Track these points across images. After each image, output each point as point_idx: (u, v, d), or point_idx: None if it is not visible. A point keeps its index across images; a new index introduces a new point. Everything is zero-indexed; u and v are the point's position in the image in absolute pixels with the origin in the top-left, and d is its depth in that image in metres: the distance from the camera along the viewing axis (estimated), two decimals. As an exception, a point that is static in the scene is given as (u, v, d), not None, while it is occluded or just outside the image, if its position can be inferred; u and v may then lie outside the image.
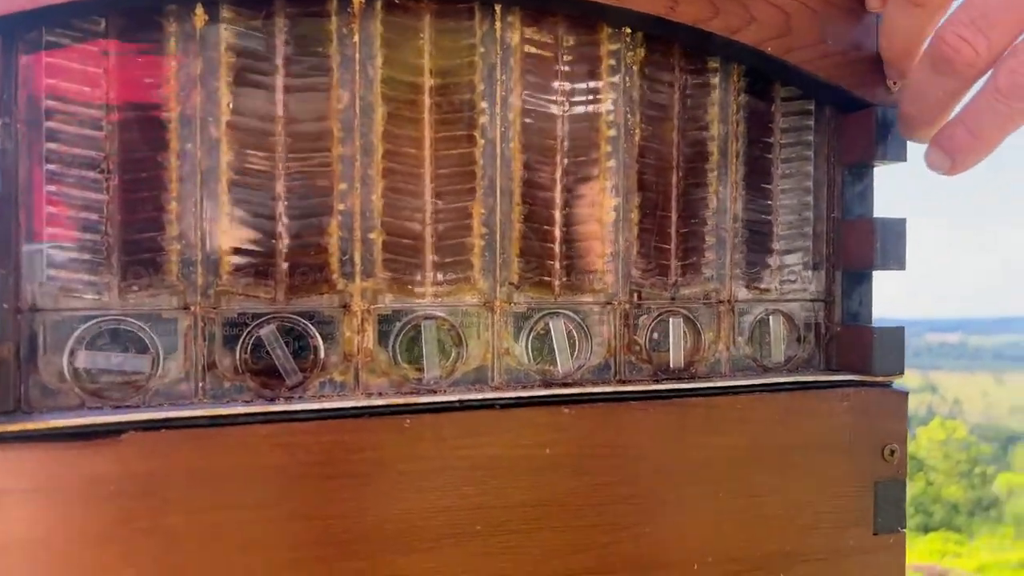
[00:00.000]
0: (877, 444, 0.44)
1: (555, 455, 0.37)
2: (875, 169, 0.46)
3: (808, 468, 0.42)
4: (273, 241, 0.36)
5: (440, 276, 0.38)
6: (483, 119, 0.39)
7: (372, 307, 0.37)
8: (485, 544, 0.36)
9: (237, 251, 0.35)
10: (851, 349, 0.45)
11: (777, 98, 0.44)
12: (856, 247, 0.44)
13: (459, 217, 0.38)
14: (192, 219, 0.35)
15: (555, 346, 0.40)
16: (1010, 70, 0.34)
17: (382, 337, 0.37)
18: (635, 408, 0.39)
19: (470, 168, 0.38)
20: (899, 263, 0.44)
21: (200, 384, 0.35)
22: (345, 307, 0.37)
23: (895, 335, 0.44)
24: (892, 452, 0.44)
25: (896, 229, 0.44)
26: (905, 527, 0.44)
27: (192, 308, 0.35)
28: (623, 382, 0.41)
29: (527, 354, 0.40)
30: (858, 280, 0.46)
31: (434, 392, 0.37)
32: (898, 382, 0.45)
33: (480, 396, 0.37)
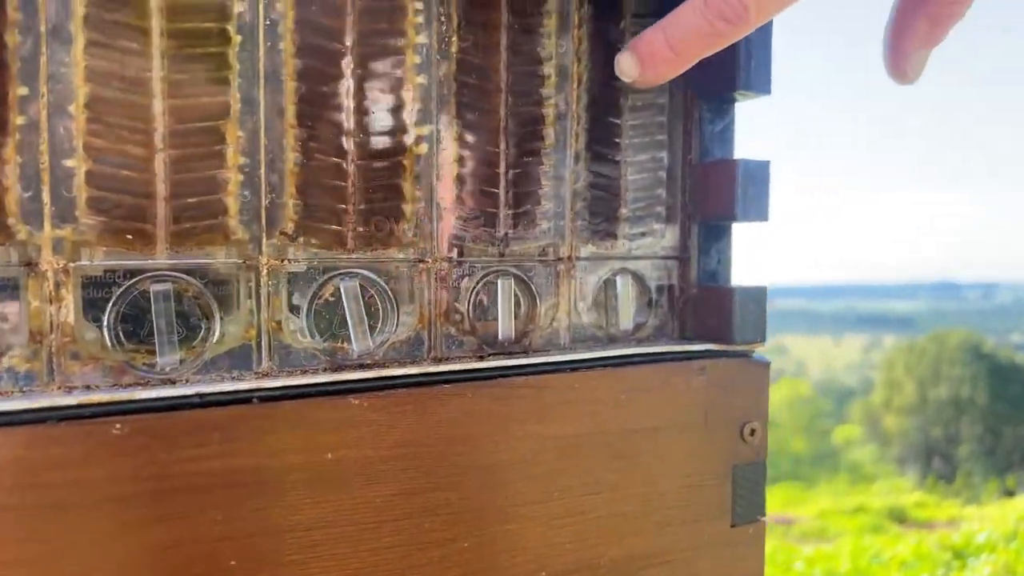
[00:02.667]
0: (736, 423, 0.38)
1: (340, 460, 0.28)
2: (736, 106, 0.40)
3: (658, 455, 0.35)
4: (-98, 167, 0.24)
5: (178, 222, 0.28)
6: (239, 6, 0.28)
7: (72, 266, 0.26)
8: (240, 585, 0.27)
9: None
10: (709, 314, 0.38)
11: (627, 15, 0.37)
12: (715, 195, 0.38)
13: (205, 141, 0.28)
14: None
15: (348, 317, 0.31)
16: None
17: (90, 308, 0.27)
18: (448, 394, 0.30)
19: (221, 73, 0.28)
20: (761, 214, 0.38)
21: None
22: (29, 265, 0.26)
23: (757, 297, 0.38)
24: (752, 431, 0.38)
25: (759, 174, 0.37)
26: (765, 515, 0.39)
27: None
28: (439, 360, 0.33)
29: (308, 329, 0.30)
30: (717, 234, 0.39)
31: (173, 383, 0.27)
32: (759, 350, 0.39)
33: (229, 388, 0.27)
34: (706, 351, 0.37)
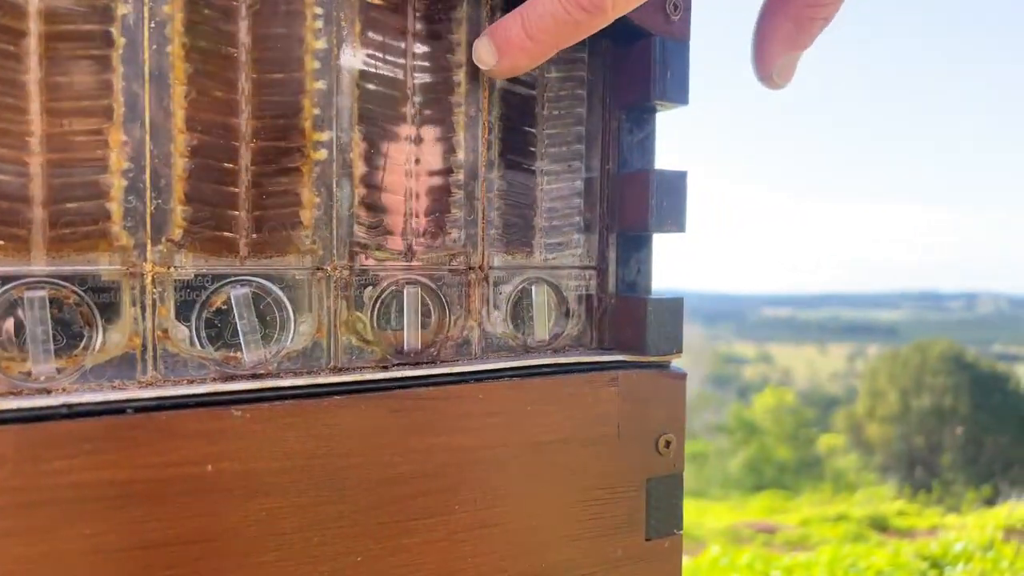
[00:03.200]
0: (651, 435, 0.37)
1: (221, 472, 0.28)
2: (657, 115, 0.39)
3: (567, 467, 0.35)
4: None
5: (55, 228, 0.27)
6: (124, 8, 0.28)
7: (-61, 271, 0.26)
8: (110, 601, 0.26)
9: None
10: (624, 324, 0.38)
11: (543, 22, 0.36)
12: (631, 205, 0.38)
13: (88, 145, 0.27)
14: None
15: (238, 326, 0.30)
16: None
17: (-41, 315, 0.26)
18: (340, 405, 0.30)
19: (105, 76, 0.28)
20: (678, 224, 0.37)
21: None
22: None
23: (673, 308, 0.38)
24: (668, 444, 0.38)
25: (675, 184, 0.37)
26: (682, 529, 0.38)
27: None
28: (339, 370, 0.32)
29: (198, 338, 0.30)
30: (636, 244, 0.39)
31: (48, 392, 0.27)
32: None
33: (101, 398, 0.26)
34: (618, 362, 0.37)
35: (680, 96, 0.37)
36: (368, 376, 0.31)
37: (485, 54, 0.33)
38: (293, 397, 0.29)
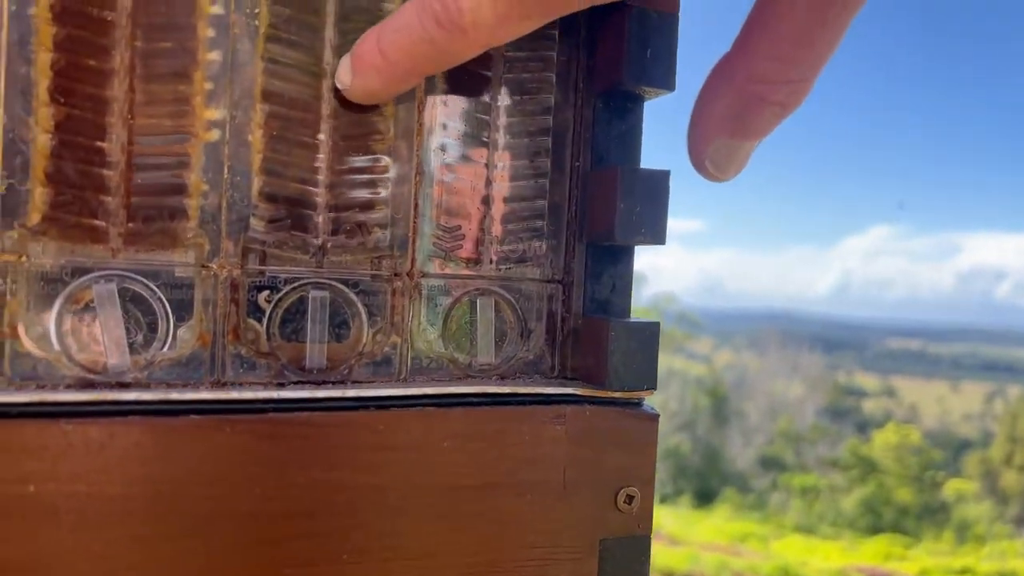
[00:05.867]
0: (608, 487, 0.31)
1: (44, 494, 0.24)
2: (645, 104, 0.33)
3: (493, 518, 0.29)
4: None
5: None
6: (-21, -33, 0.25)
7: None
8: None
9: None
10: (587, 352, 0.32)
11: (503, -9, 0.31)
12: (599, 209, 0.31)
13: (-68, 117, 0.25)
14: None
15: (103, 328, 0.26)
16: None
17: None
18: (197, 426, 0.25)
19: (-46, 42, 0.25)
20: (654, 235, 0.31)
21: None
22: None
23: (645, 335, 0.31)
24: (630, 499, 0.31)
25: (654, 185, 0.31)
26: (646, 602, 0.32)
27: None
28: (221, 384, 0.28)
29: (55, 340, 0.26)
30: (611, 257, 0.33)
31: None
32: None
33: (-101, 399, 0.23)
34: (569, 396, 0.30)
35: (663, 80, 0.31)
36: (232, 395, 0.26)
37: (342, 72, 0.28)
38: (143, 413, 0.25)
